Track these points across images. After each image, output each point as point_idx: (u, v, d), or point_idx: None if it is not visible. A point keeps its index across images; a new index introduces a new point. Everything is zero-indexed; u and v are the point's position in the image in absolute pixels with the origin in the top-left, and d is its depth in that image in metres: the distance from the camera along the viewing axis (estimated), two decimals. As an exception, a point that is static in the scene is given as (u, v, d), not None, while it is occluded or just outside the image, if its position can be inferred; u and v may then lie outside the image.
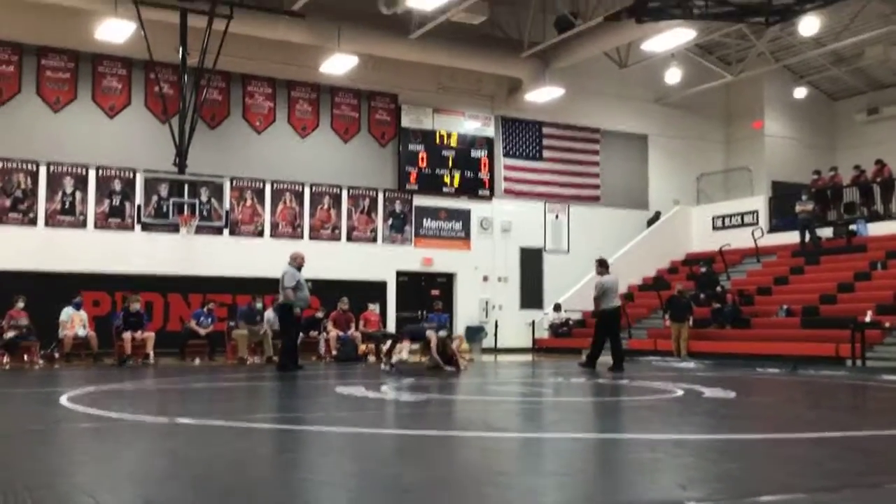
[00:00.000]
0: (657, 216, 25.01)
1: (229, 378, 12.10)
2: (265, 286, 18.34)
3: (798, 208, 21.24)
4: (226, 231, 19.73)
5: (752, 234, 22.42)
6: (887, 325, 15.29)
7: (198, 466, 4.57)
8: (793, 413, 8.24)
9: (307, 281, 13.51)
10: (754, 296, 19.95)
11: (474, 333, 21.93)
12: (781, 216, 22.76)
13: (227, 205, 19.69)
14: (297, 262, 13.31)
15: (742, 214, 23.85)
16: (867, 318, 15.35)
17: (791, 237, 21.78)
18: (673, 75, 22.90)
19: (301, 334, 15.70)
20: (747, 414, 7.87)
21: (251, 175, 20.29)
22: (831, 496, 3.72)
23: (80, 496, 3.57)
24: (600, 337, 14.04)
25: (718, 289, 19.60)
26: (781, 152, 25.46)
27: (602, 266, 14.26)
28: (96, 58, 18.76)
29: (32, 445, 5.32)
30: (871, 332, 15.31)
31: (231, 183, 19.88)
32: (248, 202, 20.35)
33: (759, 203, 23.60)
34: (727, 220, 24.24)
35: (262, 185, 20.43)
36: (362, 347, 17.55)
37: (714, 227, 24.47)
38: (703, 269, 20.67)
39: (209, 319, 16.91)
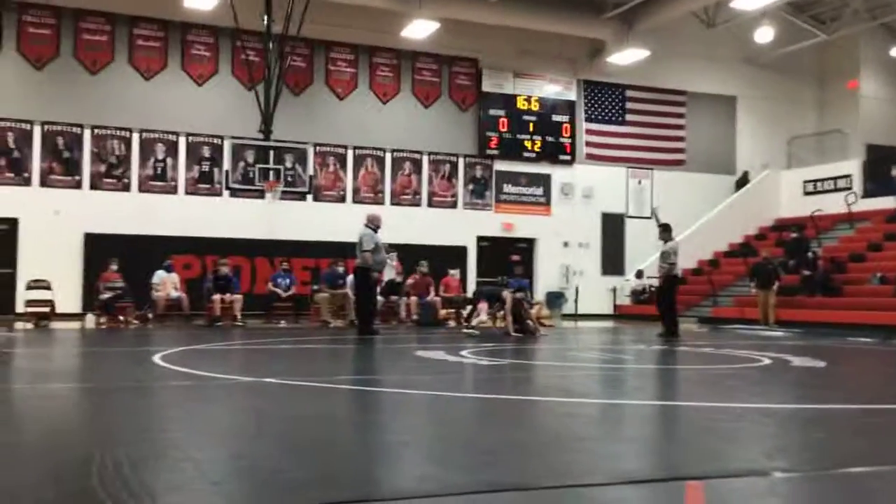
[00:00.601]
0: (745, 177, 24.32)
1: (312, 340, 12.36)
2: (347, 250, 18.60)
3: (894, 172, 20.34)
4: (309, 196, 20.04)
5: (846, 198, 21.62)
6: None
7: (283, 424, 4.69)
8: (884, 384, 7.97)
9: (387, 245, 13.50)
10: (846, 263, 19.29)
11: (555, 299, 21.83)
12: (876, 180, 21.85)
13: (310, 170, 19.99)
14: (375, 224, 13.15)
15: (835, 179, 22.99)
16: (968, 287, 14.68)
17: (886, 202, 20.91)
18: (764, 34, 22.07)
19: (381, 298, 15.90)
20: (836, 384, 7.65)
21: (334, 141, 20.51)
22: (925, 469, 3.59)
23: (173, 451, 3.72)
24: (672, 303, 13.76)
25: (809, 255, 19.01)
26: (877, 114, 24.36)
27: (667, 231, 13.88)
28: (185, 27, 19.17)
29: (127, 401, 5.55)
30: (971, 302, 14.65)
31: (314, 149, 20.16)
32: (331, 168, 20.60)
33: (853, 167, 22.70)
34: (819, 185, 23.41)
35: (344, 150, 20.64)
36: (442, 312, 17.67)
37: (805, 192, 23.67)
38: (794, 235, 20.06)
39: (287, 281, 17.27)
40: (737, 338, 14.23)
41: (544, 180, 22.59)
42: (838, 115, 24.79)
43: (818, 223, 21.47)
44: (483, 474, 3.37)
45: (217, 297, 15.81)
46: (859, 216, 21.45)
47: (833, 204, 22.14)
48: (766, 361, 9.13)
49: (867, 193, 21.99)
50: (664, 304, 13.73)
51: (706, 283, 20.97)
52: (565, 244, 22.51)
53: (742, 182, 24.32)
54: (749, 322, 17.92)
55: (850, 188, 22.24)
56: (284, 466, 3.45)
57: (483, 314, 13.77)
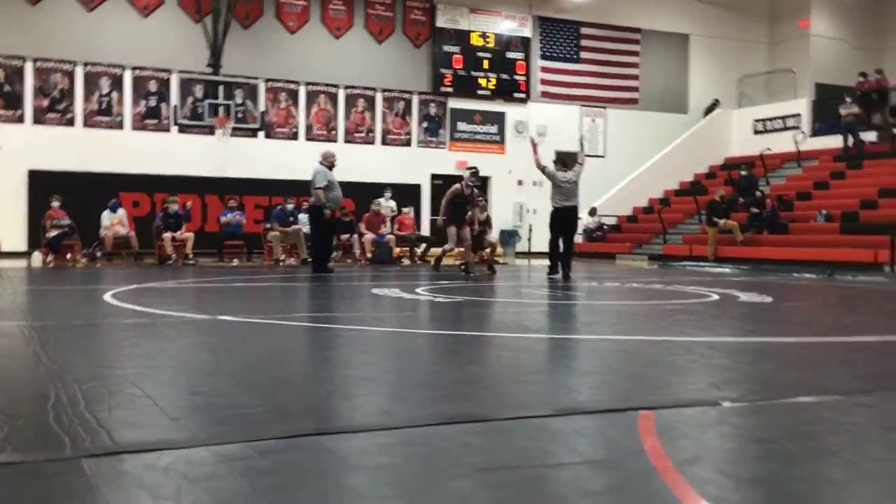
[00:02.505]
0: (715, 104, 24.55)
1: (265, 278, 12.31)
2: (299, 188, 18.43)
3: (842, 111, 20.69)
4: (261, 133, 19.78)
5: (794, 137, 21.97)
6: (929, 231, 15.04)
7: (239, 361, 4.69)
8: (829, 318, 8.22)
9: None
10: (794, 201, 19.68)
11: (508, 237, 21.98)
12: (824, 119, 22.22)
13: (261, 107, 19.69)
14: (329, 161, 13.10)
15: (784, 118, 23.33)
16: (909, 225, 15.09)
17: (834, 141, 21.32)
18: (718, -28, 22.05)
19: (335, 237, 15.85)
20: (783, 318, 7.86)
21: (285, 77, 20.16)
22: (865, 398, 3.73)
23: (128, 387, 3.69)
24: (553, 235, 12.61)
25: (758, 194, 19.34)
26: (827, 54, 24.66)
27: (557, 164, 12.86)
28: (128, -45, 18.49)
29: (79, 339, 5.49)
30: (911, 239, 15.09)
31: (265, 84, 19.82)
32: (283, 104, 20.28)
33: (801, 106, 23.05)
34: (768, 124, 23.74)
35: (296, 86, 20.31)
36: (397, 250, 17.70)
37: (755, 131, 24.00)
38: (743, 174, 20.38)
39: (237, 216, 17.06)
40: (686, 274, 14.50)
41: (498, 118, 22.54)
42: (789, 54, 25.04)
43: (767, 162, 21.81)
44: (441, 407, 3.42)
45: (168, 234, 15.60)
46: (807, 155, 21.84)
47: (782, 143, 22.50)
48: (715, 297, 9.33)
49: (815, 132, 22.36)
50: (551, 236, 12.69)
51: (657, 220, 21.24)
52: (519, 182, 22.58)
53: (711, 107, 24.56)
54: (698, 259, 18.26)
55: (798, 127, 22.58)
56: (243, 402, 3.46)
57: (451, 242, 13.40)
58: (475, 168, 13.77)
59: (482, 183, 19.34)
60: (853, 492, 2.43)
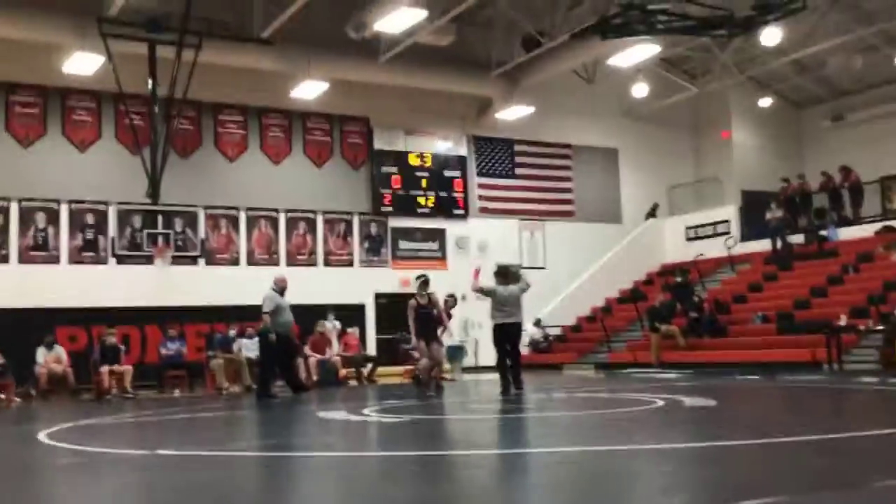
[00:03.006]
0: (653, 211, 25.24)
1: (209, 408, 12.01)
2: (242, 314, 18.29)
3: (769, 216, 21.51)
4: (201, 260, 19.66)
5: (725, 243, 22.66)
6: (862, 328, 15.48)
7: (179, 496, 4.54)
8: (773, 418, 8.31)
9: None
10: (730, 304, 20.13)
11: (455, 353, 21.88)
12: (753, 224, 23.02)
13: (201, 234, 19.67)
14: (279, 286, 13.26)
15: (714, 224, 24.11)
16: (842, 322, 15.53)
17: (763, 245, 22.04)
18: (640, 89, 23.16)
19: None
20: (728, 421, 7.93)
21: (225, 203, 20.23)
22: (812, 497, 3.77)
23: (62, 531, 3.55)
24: (498, 351, 12.05)
25: (695, 298, 19.76)
26: (750, 161, 25.78)
27: (498, 277, 12.40)
28: (65, 92, 18.67)
29: (11, 482, 5.26)
30: (846, 336, 15.49)
31: (205, 212, 19.85)
32: (223, 230, 20.28)
33: (730, 212, 23.88)
34: (700, 231, 24.49)
35: (236, 212, 20.38)
36: (343, 371, 17.51)
37: (687, 238, 24.70)
38: (679, 279, 20.86)
39: (177, 345, 16.79)
40: (632, 381, 14.59)
41: (439, 235, 22.84)
42: (714, 163, 26.11)
43: (701, 267, 22.39)
44: (388, 533, 3.35)
45: (105, 368, 15.21)
46: (739, 259, 22.49)
47: (714, 248, 23.17)
48: (660, 403, 9.39)
49: (745, 237, 23.13)
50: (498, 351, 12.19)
51: (600, 329, 21.47)
52: (462, 297, 22.66)
53: (651, 212, 25.24)
54: (643, 365, 18.41)
55: (728, 233, 23.33)
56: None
57: (424, 359, 12.77)
58: (424, 276, 13.29)
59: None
60: None
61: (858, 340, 15.80)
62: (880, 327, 15.03)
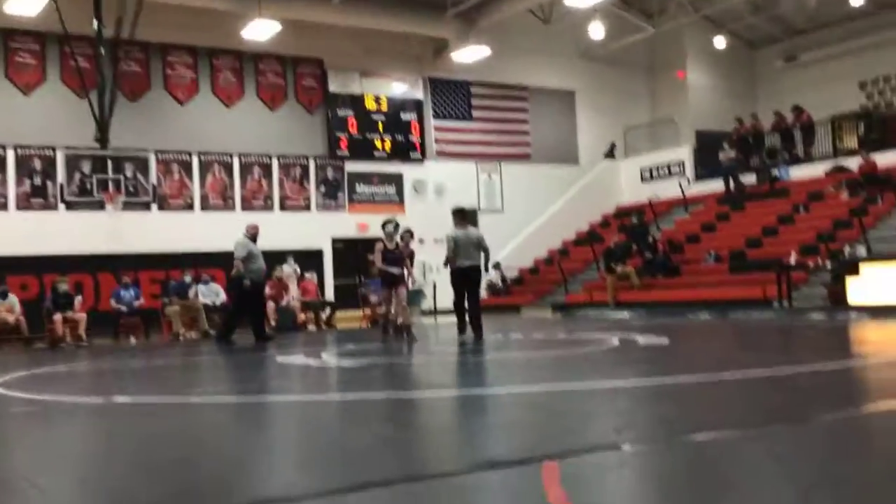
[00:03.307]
0: (611, 150, 25.34)
1: (165, 355, 11.94)
2: (197, 260, 18.15)
3: (721, 156, 21.70)
4: (154, 206, 19.35)
5: (679, 184, 22.86)
6: (811, 265, 15.81)
7: (135, 444, 4.52)
8: (724, 355, 8.50)
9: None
10: (683, 244, 20.40)
11: (413, 297, 21.92)
12: (706, 165, 23.23)
13: (153, 179, 19.32)
14: (250, 233, 13.34)
15: (669, 165, 24.29)
16: (791, 261, 15.84)
17: (716, 185, 22.27)
18: (596, 30, 22.99)
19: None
20: (680, 358, 8.09)
21: (177, 147, 19.84)
22: (761, 431, 3.86)
23: (17, 481, 3.52)
24: (456, 294, 11.67)
25: (650, 239, 19.99)
26: (704, 102, 25.89)
27: (456, 216, 11.82)
28: (7, 33, 18.01)
29: (-36, 434, 5.19)
30: (796, 274, 15.82)
31: (156, 156, 19.47)
32: (176, 175, 19.92)
33: (684, 153, 24.05)
34: (655, 172, 24.66)
35: (188, 157, 20.00)
36: (301, 316, 17.48)
37: (642, 179, 24.87)
38: (634, 221, 21.05)
39: (131, 293, 16.59)
40: (588, 322, 14.80)
41: (396, 179, 22.71)
42: (669, 104, 26.18)
43: (656, 208, 22.60)
44: (348, 474, 3.37)
45: (58, 316, 14.99)
46: (693, 199, 22.74)
47: (669, 189, 23.38)
48: (615, 342, 9.55)
49: (699, 177, 23.35)
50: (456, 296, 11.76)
51: (557, 271, 21.65)
52: (420, 241, 22.66)
53: (609, 154, 25.33)
54: (599, 305, 18.65)
55: (682, 173, 23.54)
56: (136, 486, 3.33)
57: (385, 304, 12.57)
58: (391, 219, 12.99)
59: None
60: (748, 524, 2.50)
61: (808, 278, 16.15)
62: (829, 265, 15.36)
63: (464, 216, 11.83)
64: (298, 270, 18.44)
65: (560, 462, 3.31)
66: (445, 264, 11.68)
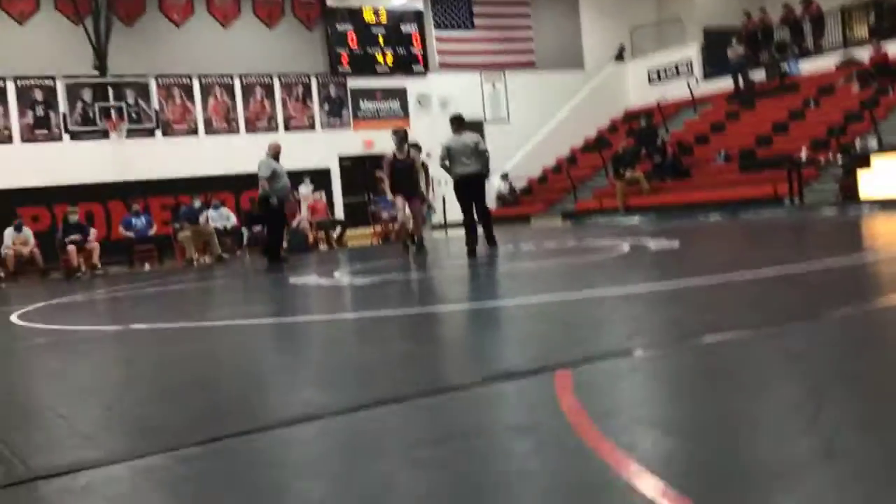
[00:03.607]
0: (622, 51, 24.92)
1: (180, 281, 12.06)
2: (206, 184, 18.15)
3: (730, 53, 21.26)
4: (158, 132, 19.26)
5: (688, 83, 22.49)
6: (822, 161, 15.65)
7: (155, 370, 4.60)
8: (735, 256, 8.50)
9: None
10: (693, 146, 20.19)
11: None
12: (715, 63, 22.77)
13: (155, 105, 19.17)
14: (273, 151, 13.10)
15: (676, 65, 23.84)
16: (802, 156, 15.68)
17: (726, 83, 21.88)
18: (599, -73, 22.27)
19: (245, 229, 15.90)
20: (691, 262, 8.11)
21: (176, 71, 19.60)
22: (773, 330, 3.89)
23: (42, 411, 3.59)
24: (462, 207, 11.09)
25: (658, 142, 19.79)
26: (712, -1, 25.23)
27: (453, 124, 11.19)
28: (-6, -39, 17.65)
29: (-13, 367, 5.29)
30: (807, 170, 15.68)
31: (157, 81, 19.26)
32: (178, 100, 19.74)
33: (692, 52, 23.57)
34: (662, 73, 24.22)
35: (189, 80, 19.78)
36: (312, 236, 17.55)
37: (650, 81, 24.46)
38: (643, 124, 20.80)
39: (143, 220, 16.66)
40: (599, 228, 14.79)
41: (400, 94, 22.43)
42: (676, 2, 25.51)
43: (664, 110, 22.29)
44: (362, 391, 3.43)
45: (72, 247, 15.10)
46: (702, 99, 22.39)
47: (677, 90, 23.00)
48: (626, 248, 9.55)
49: (707, 76, 22.93)
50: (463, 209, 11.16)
51: (566, 179, 21.54)
52: (427, 155, 22.50)
53: (619, 57, 24.93)
54: (609, 212, 18.61)
55: (690, 73, 23.12)
56: (159, 411, 3.40)
57: (399, 214, 12.30)
58: (402, 130, 12.50)
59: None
60: (762, 425, 2.54)
61: (819, 174, 16.01)
62: (840, 160, 15.20)
63: (460, 123, 11.15)
64: (312, 191, 18.45)
65: (573, 370, 3.35)
66: (442, 165, 11.12)
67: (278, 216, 13.20)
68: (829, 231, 10.38)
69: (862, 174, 14.12)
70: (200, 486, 2.37)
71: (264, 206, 13.05)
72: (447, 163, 10.94)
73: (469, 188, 10.95)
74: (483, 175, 11.08)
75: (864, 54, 19.07)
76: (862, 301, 4.53)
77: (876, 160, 14.10)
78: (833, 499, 1.87)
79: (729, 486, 2.01)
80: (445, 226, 21.18)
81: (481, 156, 10.94)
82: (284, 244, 16.58)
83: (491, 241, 11.16)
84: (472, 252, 10.77)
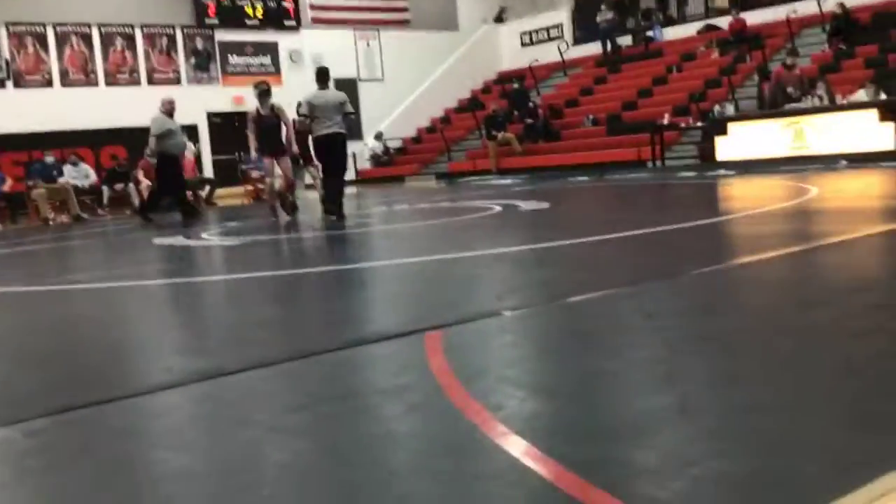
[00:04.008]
0: (502, 12, 25.01)
1: (35, 241, 11.42)
2: (63, 139, 17.22)
3: (599, 18, 21.73)
4: (9, 83, 18.08)
5: (558, 48, 22.87)
6: (682, 125, 16.29)
7: (6, 336, 4.33)
8: (600, 217, 8.75)
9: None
10: (563, 109, 20.61)
11: (296, 171, 21.57)
12: (584, 27, 23.26)
13: (5, 54, 17.97)
14: (166, 108, 12.46)
15: (548, 29, 24.21)
16: (665, 121, 16.27)
17: (595, 48, 22.40)
18: None
19: (105, 187, 15.22)
20: (559, 223, 8.29)
21: (29, 19, 18.39)
22: (634, 289, 4.01)
23: None
24: (323, 168, 10.75)
25: (530, 105, 20.08)
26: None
27: (318, 77, 10.46)
28: None
29: None
30: (668, 134, 16.29)
31: (7, 29, 18.03)
32: (31, 49, 18.58)
33: (562, 16, 23.97)
34: (534, 36, 24.56)
35: (42, 29, 18.60)
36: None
37: (522, 44, 24.76)
38: (515, 87, 21.04)
39: None
40: (471, 189, 14.92)
41: (271, 49, 21.85)
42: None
43: (536, 73, 22.62)
44: (226, 356, 3.33)
45: (-88, 205, 14.05)
46: (571, 63, 22.84)
47: (548, 54, 23.36)
48: (498, 209, 9.67)
49: (577, 41, 23.39)
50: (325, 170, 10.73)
51: (440, 139, 21.60)
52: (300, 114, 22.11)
53: (498, 19, 25.02)
54: (482, 173, 18.81)
55: (561, 37, 23.51)
56: (10, 379, 3.20)
57: (269, 175, 11.43)
58: (264, 83, 11.58)
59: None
60: (622, 383, 2.62)
61: (680, 137, 16.67)
62: (700, 124, 15.86)
63: (325, 77, 10.35)
64: (194, 149, 17.80)
65: (443, 332, 3.36)
66: (302, 116, 10.49)
67: (171, 174, 12.43)
68: (687, 193, 10.82)
69: (719, 140, 14.79)
70: (49, 459, 2.24)
71: (163, 165, 12.37)
72: (308, 121, 10.31)
73: (331, 149, 10.29)
74: (345, 136, 10.36)
75: (724, 23, 19.88)
76: (716, 261, 4.74)
77: (732, 126, 14.78)
78: (689, 452, 1.95)
79: (591, 443, 2.06)
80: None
81: (346, 117, 10.33)
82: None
83: (338, 208, 10.20)
84: (333, 214, 10.20)
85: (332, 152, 10.31)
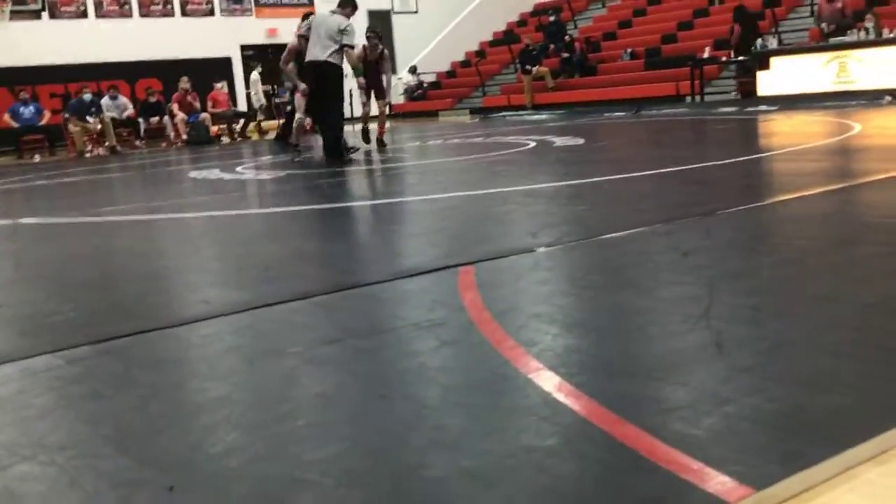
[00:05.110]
0: None
1: (71, 173, 11.55)
2: (97, 71, 17.28)
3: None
4: (45, 14, 18.08)
5: (598, -22, 22.31)
6: (723, 59, 15.90)
7: (45, 266, 4.41)
8: (636, 153, 8.64)
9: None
10: (601, 42, 20.19)
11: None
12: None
13: (40, -15, 17.96)
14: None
15: (587, -42, 23.57)
16: (705, 55, 15.89)
17: (635, -22, 21.79)
18: None
19: (140, 119, 15.30)
20: (594, 159, 8.20)
21: (61, -52, 18.31)
22: (670, 226, 3.98)
23: (-79, 311, 3.41)
24: (312, 102, 9.81)
25: (567, 38, 19.69)
26: None
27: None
28: None
29: None
30: (708, 68, 15.92)
31: (40, -41, 17.99)
32: (65, -21, 18.51)
33: (603, -55, 23.31)
34: (572, -34, 23.90)
35: (76, -41, 18.53)
36: (214, 129, 17.01)
37: (561, -26, 24.14)
38: (552, 19, 20.62)
39: (31, 109, 15.81)
40: (505, 124, 14.78)
41: (305, -21, 21.58)
42: None
43: (573, 5, 22.12)
44: (263, 288, 3.37)
45: (-47, 136, 14.25)
46: (611, -7, 22.30)
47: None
48: (532, 144, 9.58)
49: (617, -30, 22.77)
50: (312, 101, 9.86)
51: (475, 74, 21.33)
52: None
53: None
54: (516, 108, 18.60)
55: (601, -34, 22.91)
56: (50, 309, 3.27)
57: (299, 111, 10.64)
58: (308, 13, 10.89)
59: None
60: (656, 321, 2.61)
61: (720, 72, 16.29)
62: (741, 58, 15.47)
63: (342, 2, 9.35)
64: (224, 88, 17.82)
65: (476, 267, 3.37)
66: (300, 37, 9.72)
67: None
68: (726, 129, 10.63)
69: (761, 74, 14.43)
70: (91, 387, 2.30)
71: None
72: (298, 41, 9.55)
73: (317, 80, 9.29)
74: (329, 68, 9.18)
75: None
76: (754, 198, 4.67)
77: (775, 60, 14.40)
78: (723, 389, 1.95)
79: (624, 379, 2.06)
80: (352, 118, 20.84)
81: (336, 44, 9.15)
82: (184, 136, 16.06)
83: (334, 146, 9.46)
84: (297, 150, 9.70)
85: (320, 84, 9.30)
